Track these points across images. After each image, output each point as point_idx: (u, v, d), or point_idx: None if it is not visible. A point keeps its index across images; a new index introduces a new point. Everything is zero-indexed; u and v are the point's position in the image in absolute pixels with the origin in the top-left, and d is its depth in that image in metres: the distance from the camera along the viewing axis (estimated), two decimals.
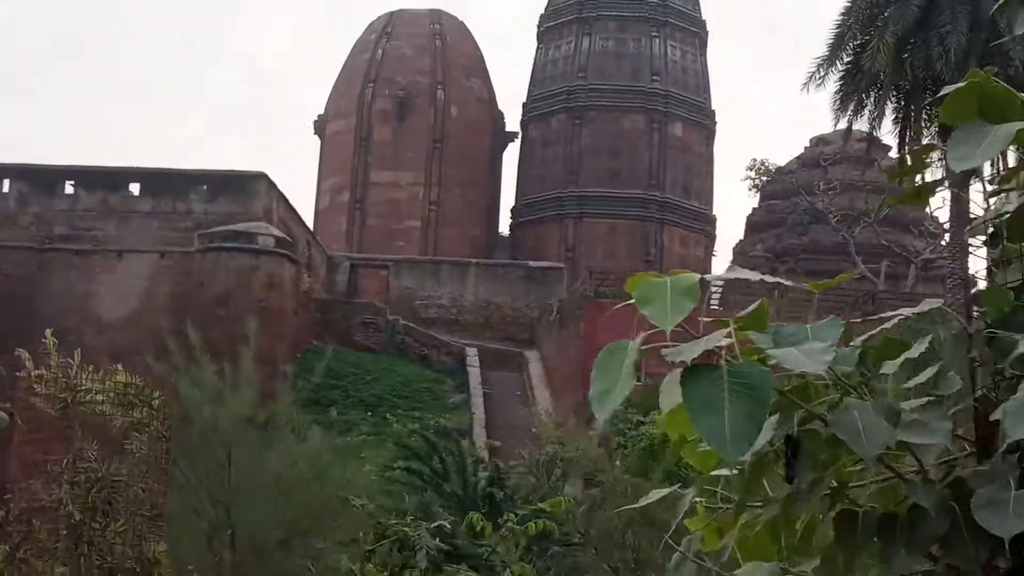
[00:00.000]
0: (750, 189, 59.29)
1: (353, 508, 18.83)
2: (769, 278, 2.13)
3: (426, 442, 25.55)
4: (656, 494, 2.75)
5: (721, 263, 66.73)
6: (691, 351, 1.98)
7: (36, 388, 4.85)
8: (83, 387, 4.79)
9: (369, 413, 41.41)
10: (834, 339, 2.04)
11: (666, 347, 2.02)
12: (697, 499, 2.50)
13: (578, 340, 42.21)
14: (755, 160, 58.92)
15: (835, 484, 2.13)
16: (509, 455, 29.99)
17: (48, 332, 4.94)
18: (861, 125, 31.86)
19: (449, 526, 17.82)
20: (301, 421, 23.06)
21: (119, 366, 4.89)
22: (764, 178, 58.85)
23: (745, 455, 1.93)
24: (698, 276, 2.00)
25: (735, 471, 2.42)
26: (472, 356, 48.63)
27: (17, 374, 5.14)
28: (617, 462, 26.84)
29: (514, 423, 41.06)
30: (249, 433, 19.42)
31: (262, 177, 47.69)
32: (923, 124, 30.37)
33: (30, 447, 4.91)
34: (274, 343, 36.55)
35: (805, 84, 31.36)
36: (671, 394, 2.11)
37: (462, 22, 66.90)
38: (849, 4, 31.12)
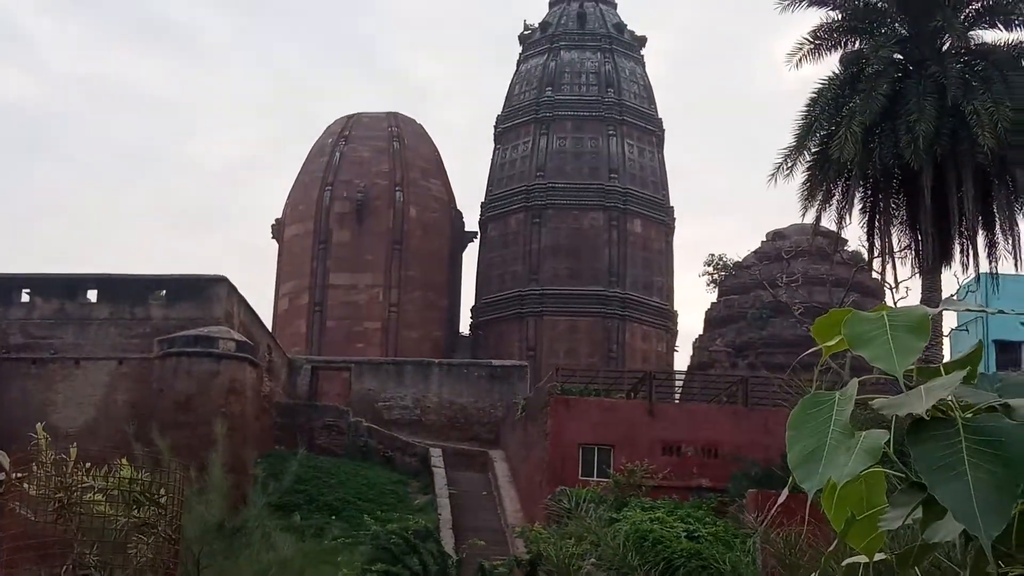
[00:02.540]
0: (708, 284, 59.31)
1: None
2: (991, 309, 1.78)
3: (406, 543, 24.85)
4: None
5: (683, 358, 66.57)
6: (915, 403, 1.61)
7: (27, 489, 4.38)
8: (82, 485, 4.34)
9: (334, 517, 40.59)
10: None
11: (876, 398, 1.66)
12: None
13: (544, 437, 41.62)
14: (713, 255, 59.02)
15: None
16: (479, 556, 29.33)
17: (39, 426, 4.49)
18: (830, 214, 31.65)
19: None
20: (269, 527, 22.41)
21: (123, 460, 4.44)
22: (722, 273, 58.85)
23: (999, 530, 1.55)
24: (925, 308, 1.63)
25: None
26: (437, 457, 48.03)
27: None
28: (593, 560, 26.21)
29: (481, 524, 40.37)
30: (218, 541, 18.83)
31: (222, 281, 47.07)
32: (892, 212, 30.29)
33: (20, 555, 4.43)
34: (236, 448, 35.80)
35: (772, 175, 31.00)
36: (844, 462, 1.74)
37: (420, 124, 67.02)
38: (815, 95, 31.04)
